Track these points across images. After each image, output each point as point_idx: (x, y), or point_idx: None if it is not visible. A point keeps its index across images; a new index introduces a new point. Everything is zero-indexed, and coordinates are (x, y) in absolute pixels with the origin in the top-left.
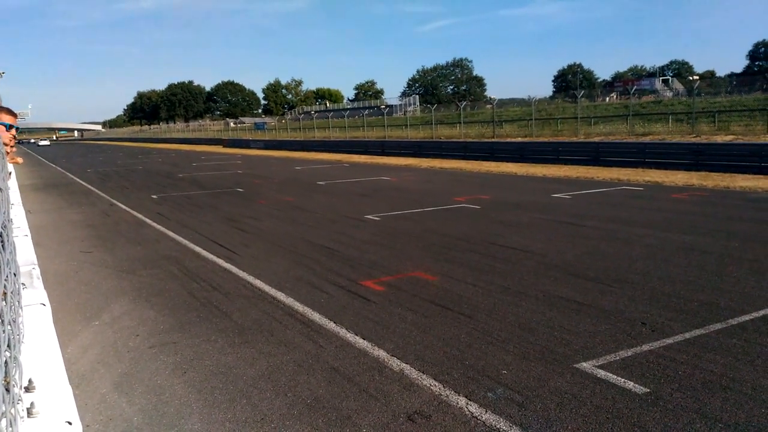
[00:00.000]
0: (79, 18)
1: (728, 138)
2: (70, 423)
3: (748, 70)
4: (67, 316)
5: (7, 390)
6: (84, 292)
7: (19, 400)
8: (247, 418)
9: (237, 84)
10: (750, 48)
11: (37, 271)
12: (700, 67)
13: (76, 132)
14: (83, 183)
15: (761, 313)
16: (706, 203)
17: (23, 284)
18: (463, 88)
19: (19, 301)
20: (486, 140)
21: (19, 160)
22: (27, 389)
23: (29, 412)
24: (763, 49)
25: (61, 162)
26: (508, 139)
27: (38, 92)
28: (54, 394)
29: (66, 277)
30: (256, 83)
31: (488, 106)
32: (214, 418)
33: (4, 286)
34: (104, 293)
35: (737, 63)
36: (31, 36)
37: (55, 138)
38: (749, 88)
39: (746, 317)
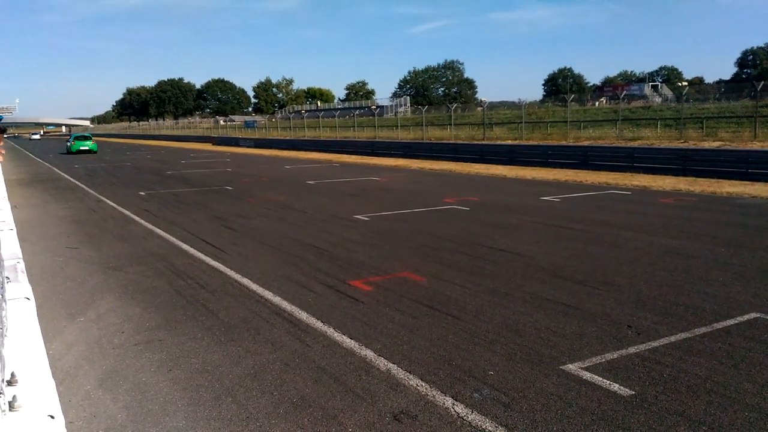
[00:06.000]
0: (67, 13)
1: (716, 144)
2: (52, 417)
3: (736, 77)
4: (52, 311)
5: None
6: (69, 288)
7: (0, 393)
8: (233, 417)
9: (227, 82)
10: (738, 55)
11: (21, 265)
12: (689, 74)
13: (63, 127)
14: (70, 178)
15: (746, 317)
16: (693, 208)
17: (7, 278)
18: (454, 90)
19: (2, 295)
20: (476, 142)
21: (2, 152)
22: (9, 383)
23: (11, 406)
24: (751, 56)
25: (48, 157)
26: (498, 142)
27: (25, 87)
28: (37, 388)
29: (51, 273)
30: (246, 81)
31: (479, 108)
32: (200, 416)
33: None
34: (90, 289)
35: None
36: (17, 30)
37: (42, 133)
38: (737, 95)
39: (731, 321)
